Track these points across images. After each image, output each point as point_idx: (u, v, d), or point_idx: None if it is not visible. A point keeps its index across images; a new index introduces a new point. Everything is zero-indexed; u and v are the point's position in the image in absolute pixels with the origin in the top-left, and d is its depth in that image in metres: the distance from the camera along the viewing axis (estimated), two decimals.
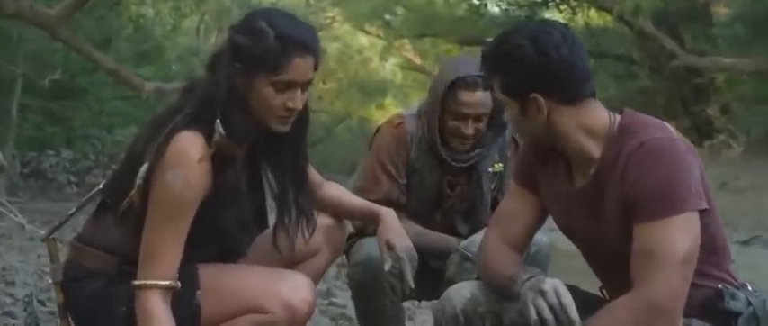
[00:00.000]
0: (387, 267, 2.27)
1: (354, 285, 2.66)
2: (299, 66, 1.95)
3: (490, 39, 1.96)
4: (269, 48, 1.93)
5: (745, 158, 14.12)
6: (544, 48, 1.81)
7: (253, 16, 1.99)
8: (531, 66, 1.81)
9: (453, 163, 2.73)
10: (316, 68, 1.98)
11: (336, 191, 2.37)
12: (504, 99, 1.89)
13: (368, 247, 2.55)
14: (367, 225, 2.31)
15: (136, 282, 1.95)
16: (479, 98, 2.61)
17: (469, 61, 2.64)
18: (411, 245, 2.29)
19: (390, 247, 2.27)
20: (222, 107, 1.93)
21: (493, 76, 1.89)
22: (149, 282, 1.94)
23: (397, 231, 2.30)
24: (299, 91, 1.97)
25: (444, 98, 2.62)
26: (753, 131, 15.59)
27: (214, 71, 1.98)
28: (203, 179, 1.93)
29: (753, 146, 14.98)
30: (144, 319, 1.94)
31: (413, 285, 2.26)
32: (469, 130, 2.65)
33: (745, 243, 7.97)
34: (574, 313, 1.74)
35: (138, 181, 1.95)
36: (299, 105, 1.99)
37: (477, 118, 2.65)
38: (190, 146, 1.91)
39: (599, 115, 1.87)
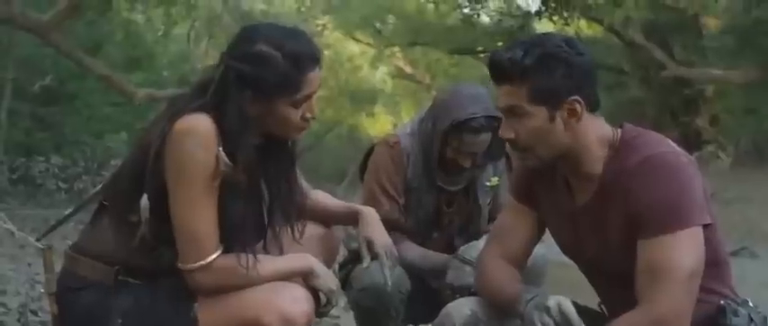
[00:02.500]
0: (365, 265, 2.26)
1: (360, 310, 2.65)
2: (313, 78, 1.97)
3: (501, 48, 1.85)
4: (283, 71, 1.92)
5: (734, 169, 14.20)
6: (581, 49, 1.76)
7: (247, 40, 1.95)
8: (574, 66, 1.75)
9: (447, 188, 2.74)
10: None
11: (321, 197, 2.37)
12: (530, 108, 1.76)
13: (373, 273, 2.54)
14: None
15: (182, 266, 1.93)
16: (483, 139, 2.63)
17: (478, 96, 2.60)
18: (390, 242, 2.28)
19: (370, 244, 2.27)
20: (230, 136, 1.91)
21: (523, 82, 1.75)
22: (197, 264, 1.92)
23: (377, 228, 2.30)
24: (313, 98, 2.00)
25: (447, 134, 2.62)
26: (741, 142, 15.69)
27: (204, 94, 1.94)
28: (216, 157, 1.88)
29: (741, 157, 15.09)
30: (216, 288, 1.95)
31: (390, 283, 2.26)
32: (467, 163, 2.68)
33: (734, 254, 7.99)
34: (575, 318, 1.72)
35: (144, 213, 1.92)
36: (316, 112, 2.01)
37: (476, 153, 2.67)
38: (199, 120, 1.89)
39: (606, 128, 1.85)
